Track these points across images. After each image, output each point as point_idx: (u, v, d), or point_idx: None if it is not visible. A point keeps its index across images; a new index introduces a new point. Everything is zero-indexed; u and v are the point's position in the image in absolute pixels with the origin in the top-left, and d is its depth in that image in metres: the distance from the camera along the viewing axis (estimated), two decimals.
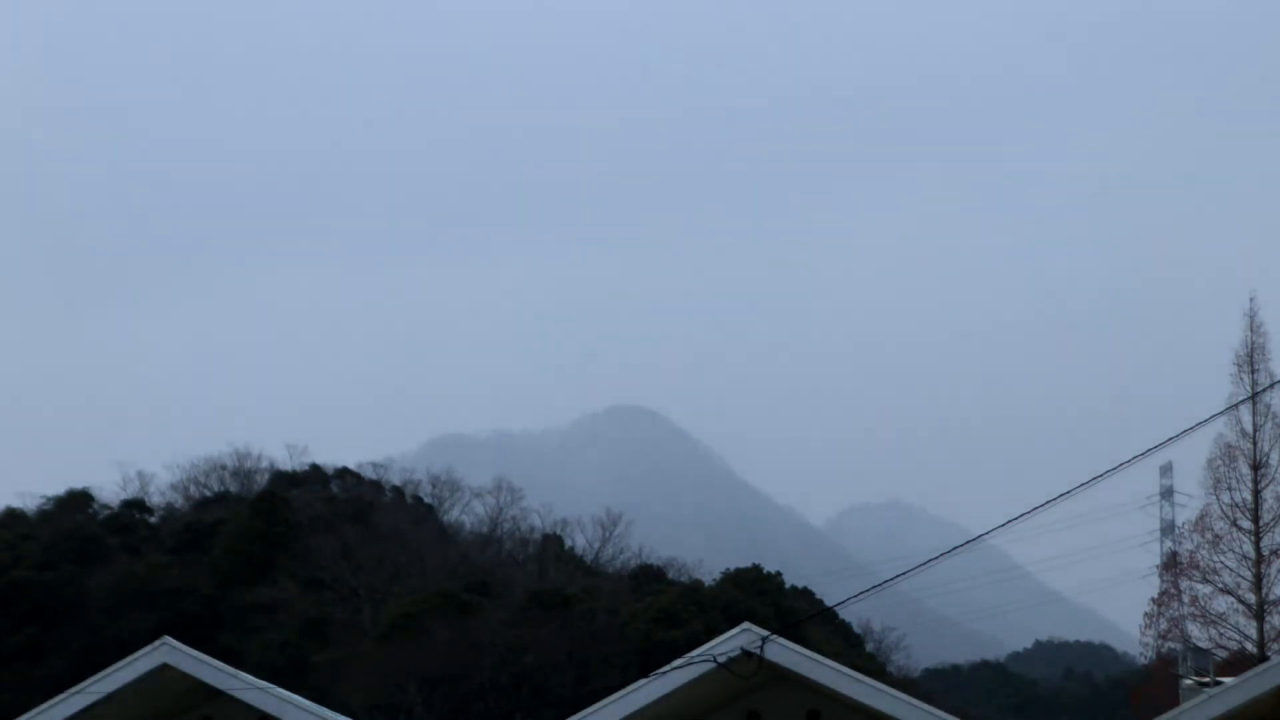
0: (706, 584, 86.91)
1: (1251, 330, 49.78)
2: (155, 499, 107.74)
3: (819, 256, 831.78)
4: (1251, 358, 49.60)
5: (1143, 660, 73.14)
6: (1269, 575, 49.29)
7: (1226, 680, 21.72)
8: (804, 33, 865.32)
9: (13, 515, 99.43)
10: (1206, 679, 29.72)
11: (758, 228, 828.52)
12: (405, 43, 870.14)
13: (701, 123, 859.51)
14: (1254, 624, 49.52)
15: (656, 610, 77.13)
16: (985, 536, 19.71)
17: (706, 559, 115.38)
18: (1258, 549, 49.31)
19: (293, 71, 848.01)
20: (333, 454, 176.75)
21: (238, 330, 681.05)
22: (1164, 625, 59.80)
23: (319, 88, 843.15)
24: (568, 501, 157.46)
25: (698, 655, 20.23)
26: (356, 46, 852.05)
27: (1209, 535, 50.27)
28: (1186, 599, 53.27)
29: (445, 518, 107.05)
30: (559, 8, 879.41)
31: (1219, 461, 49.80)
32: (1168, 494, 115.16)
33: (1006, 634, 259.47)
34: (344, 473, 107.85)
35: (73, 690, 22.27)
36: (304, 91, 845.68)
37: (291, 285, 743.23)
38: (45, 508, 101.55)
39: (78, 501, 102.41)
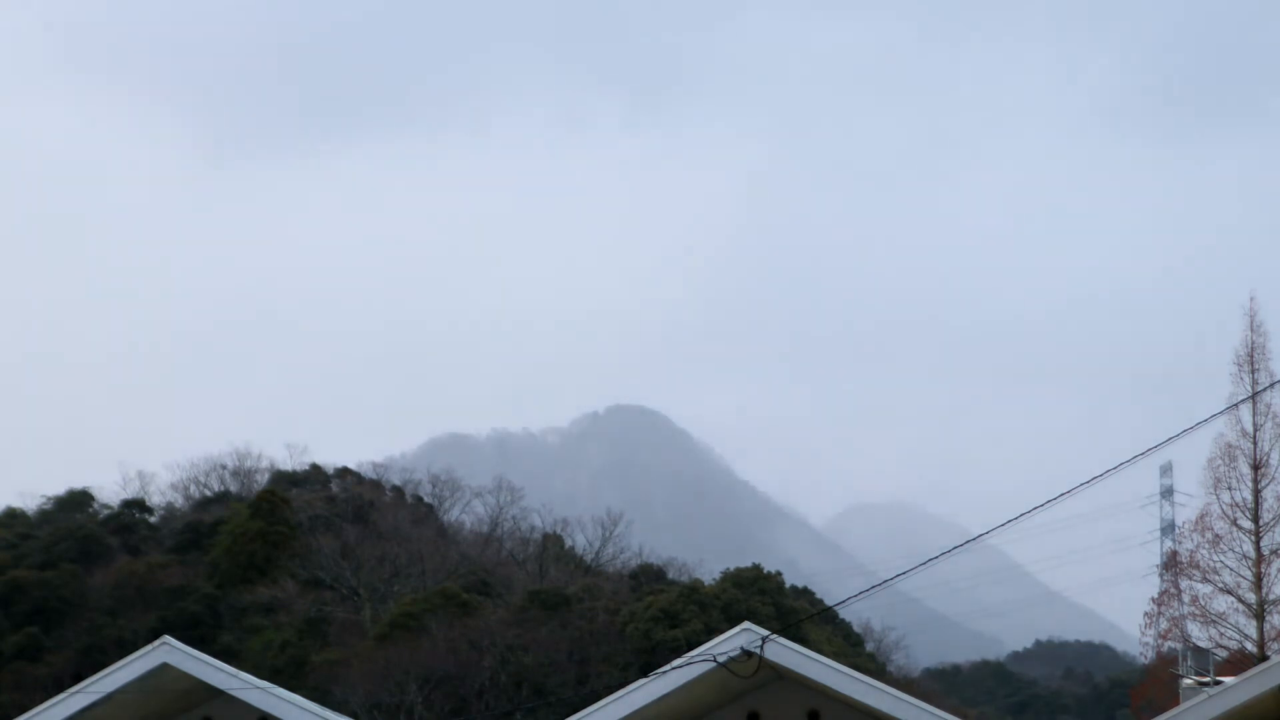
0: (706, 584, 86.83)
1: (1251, 330, 49.76)
2: (155, 499, 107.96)
3: (817, 255, 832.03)
4: (1251, 357, 49.55)
5: (1143, 660, 73.15)
6: (1269, 575, 49.26)
7: (1226, 680, 21.71)
8: None
9: (13, 515, 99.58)
10: (1206, 679, 29.70)
11: (755, 227, 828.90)
12: None
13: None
14: (1254, 624, 49.51)
15: (656, 610, 77.06)
16: (985, 536, 19.72)
17: (706, 559, 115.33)
18: (1258, 549, 49.28)
19: None
20: (333, 454, 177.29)
21: (238, 329, 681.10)
22: (1164, 625, 59.77)
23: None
24: (568, 501, 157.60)
25: (698, 655, 20.26)
26: None
27: (1209, 535, 50.21)
28: (1186, 599, 53.26)
29: (445, 517, 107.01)
30: None
31: (1219, 461, 49.73)
32: (1168, 494, 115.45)
33: (1006, 634, 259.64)
34: (344, 473, 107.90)
35: (73, 690, 22.30)
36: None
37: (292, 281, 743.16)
38: (45, 507, 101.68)
39: (78, 501, 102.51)
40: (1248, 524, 49.34)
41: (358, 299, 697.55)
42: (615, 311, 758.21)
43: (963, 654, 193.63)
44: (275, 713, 22.39)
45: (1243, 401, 48.67)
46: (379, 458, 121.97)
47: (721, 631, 21.70)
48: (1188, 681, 31.15)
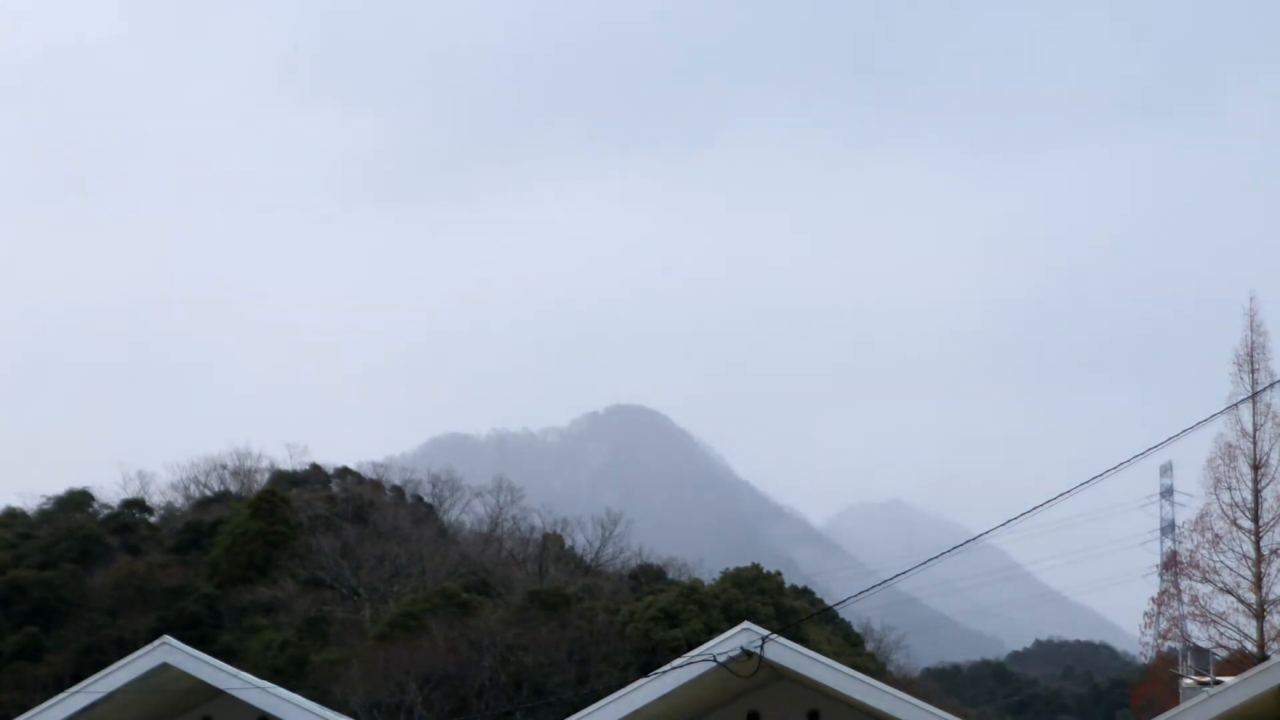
0: (706, 583, 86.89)
1: (1251, 330, 49.80)
2: (155, 498, 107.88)
3: (817, 256, 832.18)
4: (1251, 357, 49.59)
5: (1143, 660, 73.24)
6: (1269, 575, 49.30)
7: (1226, 680, 21.72)
8: None
9: (13, 515, 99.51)
10: (1206, 679, 29.73)
11: (757, 227, 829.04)
12: None
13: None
14: (1254, 624, 49.53)
15: (656, 610, 77.09)
16: (985, 536, 19.73)
17: (706, 559, 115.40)
18: (1258, 548, 49.31)
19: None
20: (333, 454, 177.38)
21: (238, 329, 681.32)
22: (1164, 625, 59.89)
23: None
24: (568, 501, 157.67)
25: (698, 655, 20.27)
26: None
27: (1209, 535, 50.25)
28: (1186, 598, 53.32)
29: (445, 517, 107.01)
30: None
31: (1219, 461, 49.77)
32: (1168, 493, 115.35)
33: (1006, 634, 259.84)
34: (344, 472, 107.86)
35: (73, 690, 22.31)
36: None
37: (292, 284, 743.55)
38: (45, 507, 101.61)
39: (78, 501, 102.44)
40: (1248, 524, 49.37)
41: (357, 299, 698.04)
42: (616, 311, 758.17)
43: (963, 654, 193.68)
44: (275, 713, 22.39)
45: (1243, 401, 48.70)
46: (379, 458, 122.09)
47: (721, 631, 21.71)
48: (1188, 681, 31.18)
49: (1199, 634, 51.77)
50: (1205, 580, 50.51)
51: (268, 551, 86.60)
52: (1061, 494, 17.35)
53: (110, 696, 22.05)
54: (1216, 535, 49.96)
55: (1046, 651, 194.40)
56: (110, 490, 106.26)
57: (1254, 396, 48.57)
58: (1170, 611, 57.98)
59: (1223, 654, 48.75)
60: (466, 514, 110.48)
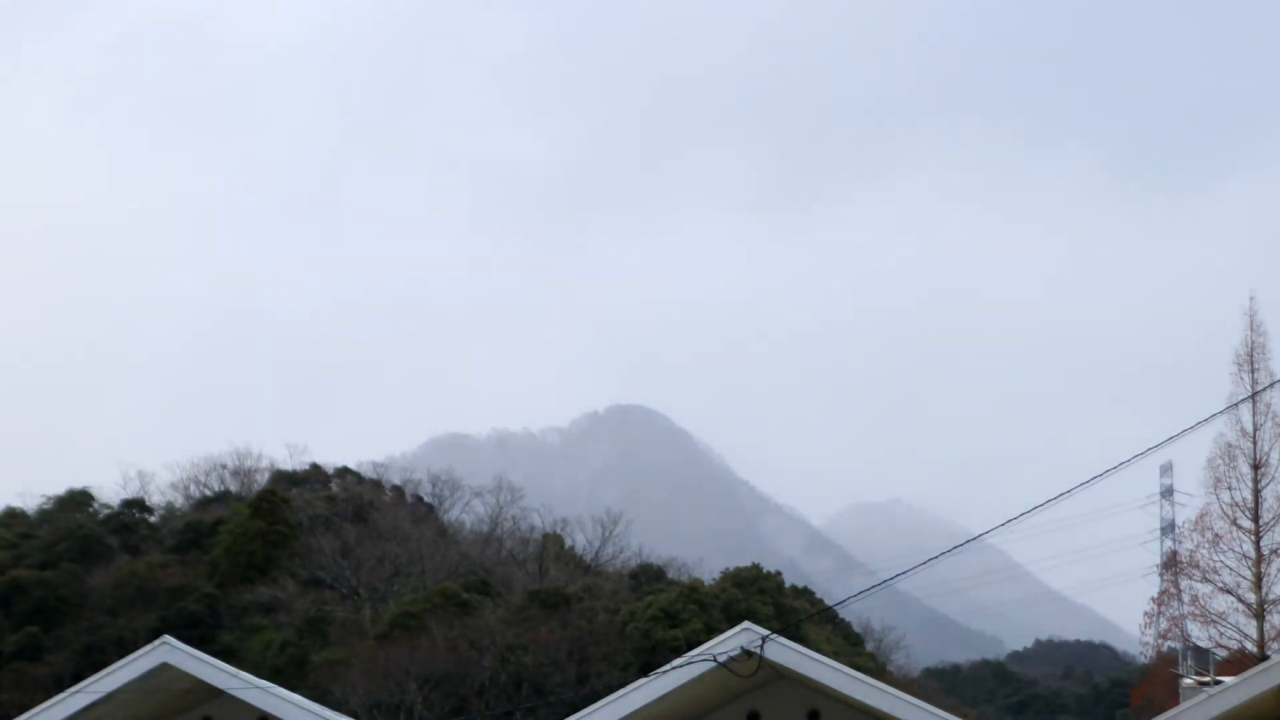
0: (706, 584, 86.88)
1: (1251, 329, 49.83)
2: (155, 498, 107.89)
3: (818, 256, 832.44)
4: (1251, 357, 49.63)
5: (1143, 659, 73.39)
6: (1269, 575, 49.33)
7: (1226, 680, 21.71)
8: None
9: (13, 515, 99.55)
10: (1206, 679, 29.75)
11: (758, 226, 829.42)
12: None
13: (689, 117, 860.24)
14: (1254, 623, 49.55)
15: (656, 609, 77.09)
16: (985, 536, 19.75)
17: (706, 559, 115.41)
18: (1258, 548, 49.32)
19: None
20: (333, 454, 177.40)
21: (239, 329, 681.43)
22: (1164, 624, 60.04)
23: None
24: (568, 501, 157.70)
25: (698, 654, 20.26)
26: None
27: (1209, 534, 50.30)
28: (1186, 598, 53.40)
29: (445, 517, 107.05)
30: None
31: (1219, 460, 49.81)
32: (1168, 493, 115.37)
33: (1006, 633, 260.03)
34: (344, 472, 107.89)
35: (73, 690, 22.30)
36: None
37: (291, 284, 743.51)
38: (45, 507, 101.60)
39: (78, 501, 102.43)
40: (1248, 524, 49.39)
41: (357, 300, 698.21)
42: (617, 312, 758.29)
43: (963, 654, 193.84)
44: (275, 713, 22.39)
45: (1243, 401, 48.73)
46: (379, 458, 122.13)
47: (721, 631, 21.71)
48: (1188, 681, 31.19)
49: (1199, 634, 51.87)
50: (1205, 580, 50.57)
51: (268, 551, 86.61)
52: (1061, 494, 17.34)
53: (110, 696, 22.04)
54: (1216, 535, 50.01)
55: (1046, 651, 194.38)
56: (110, 490, 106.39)
57: (1254, 396, 48.60)
58: (1170, 611, 58.14)
59: (1223, 654, 48.80)
60: (466, 514, 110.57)
